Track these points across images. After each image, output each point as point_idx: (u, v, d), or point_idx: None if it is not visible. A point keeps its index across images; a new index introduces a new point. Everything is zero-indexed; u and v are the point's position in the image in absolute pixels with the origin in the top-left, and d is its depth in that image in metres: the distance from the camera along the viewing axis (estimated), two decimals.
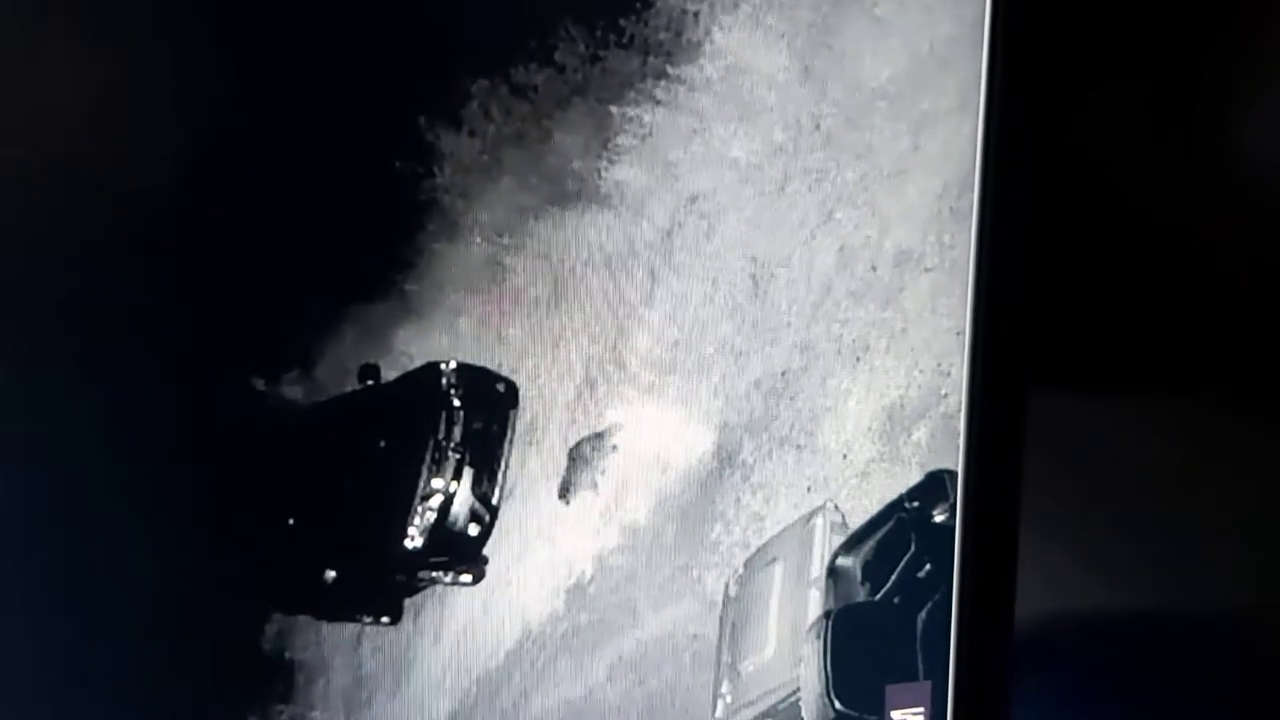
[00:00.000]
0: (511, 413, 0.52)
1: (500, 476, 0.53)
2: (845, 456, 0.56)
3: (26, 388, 0.47)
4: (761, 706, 0.56)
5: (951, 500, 0.57)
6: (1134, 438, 0.61)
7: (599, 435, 0.53)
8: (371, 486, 0.52)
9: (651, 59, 0.51)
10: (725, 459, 0.55)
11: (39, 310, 0.47)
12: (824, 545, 0.56)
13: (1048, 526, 0.60)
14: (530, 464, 0.53)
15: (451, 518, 0.52)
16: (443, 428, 0.52)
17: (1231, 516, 0.61)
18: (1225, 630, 0.62)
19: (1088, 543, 0.61)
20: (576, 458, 0.53)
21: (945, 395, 0.56)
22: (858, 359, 0.56)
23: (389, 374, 0.51)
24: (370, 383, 0.51)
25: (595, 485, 0.54)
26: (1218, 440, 0.61)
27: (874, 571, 0.57)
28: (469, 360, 0.52)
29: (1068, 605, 0.61)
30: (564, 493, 0.53)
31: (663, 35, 0.51)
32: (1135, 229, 0.60)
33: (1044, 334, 0.59)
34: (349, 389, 0.50)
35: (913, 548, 0.57)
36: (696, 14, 0.52)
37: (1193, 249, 0.60)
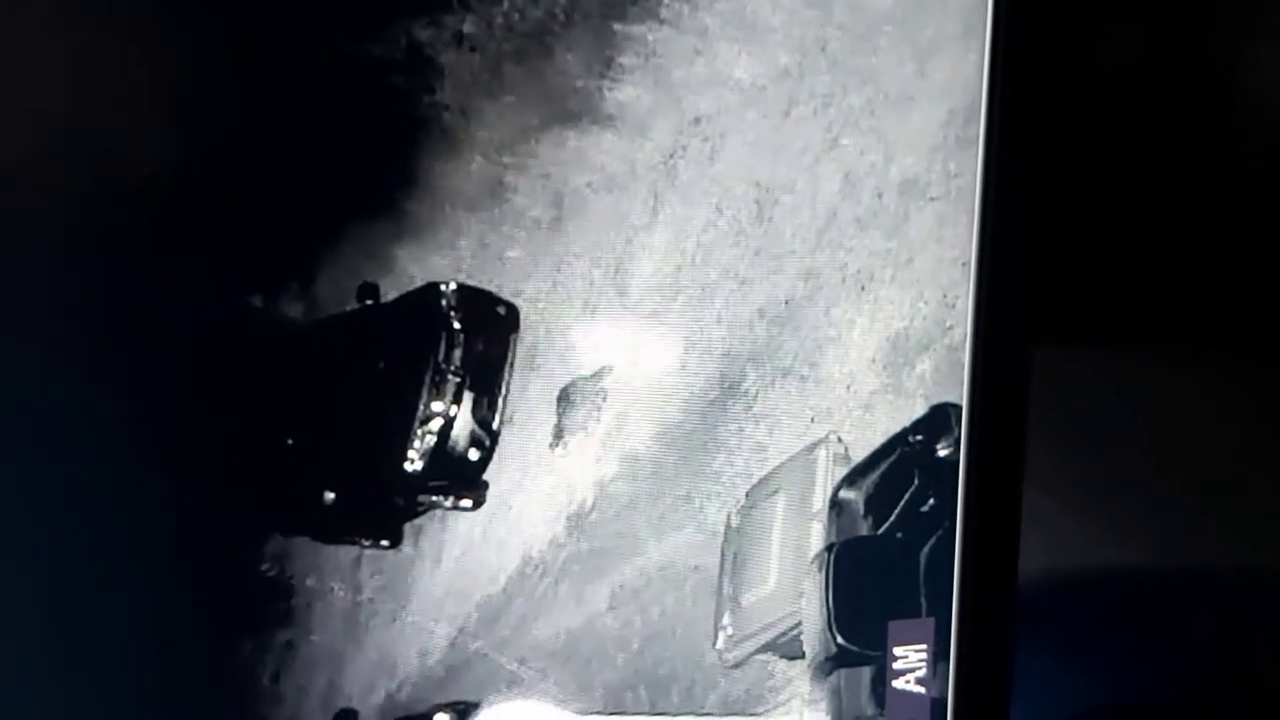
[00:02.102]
0: (512, 336, 0.52)
1: (501, 401, 0.52)
2: (849, 387, 0.55)
3: (12, 302, 0.47)
4: (763, 639, 0.56)
5: (956, 434, 0.56)
6: (1137, 394, 0.61)
7: (601, 362, 0.53)
8: (371, 408, 0.51)
9: None
10: (728, 388, 0.54)
11: (34, 216, 0.46)
12: (826, 477, 0.56)
13: (1050, 485, 0.59)
14: (531, 389, 0.53)
15: (451, 441, 0.52)
16: (443, 350, 0.52)
17: (1237, 474, 0.61)
18: (1228, 588, 0.62)
19: (1090, 502, 0.61)
20: (577, 383, 0.53)
21: (950, 327, 0.56)
22: (862, 288, 0.55)
23: (388, 294, 0.50)
24: (369, 302, 0.50)
25: (596, 412, 0.53)
26: (1223, 395, 0.61)
27: (877, 505, 0.57)
28: (470, 282, 0.51)
29: (1069, 564, 0.61)
30: (564, 418, 0.53)
31: None
32: (1143, 161, 0.59)
33: (1048, 276, 0.58)
34: (348, 308, 0.50)
35: (916, 481, 0.57)
36: None
37: (1202, 185, 0.59)
